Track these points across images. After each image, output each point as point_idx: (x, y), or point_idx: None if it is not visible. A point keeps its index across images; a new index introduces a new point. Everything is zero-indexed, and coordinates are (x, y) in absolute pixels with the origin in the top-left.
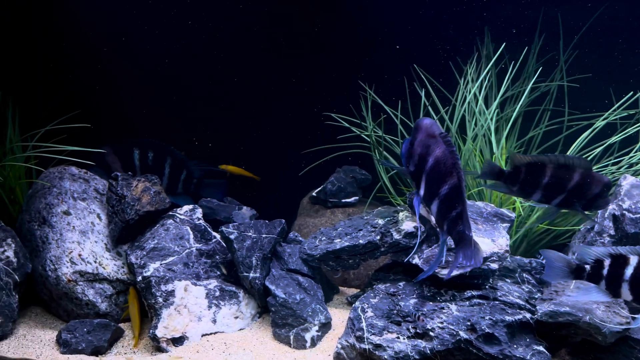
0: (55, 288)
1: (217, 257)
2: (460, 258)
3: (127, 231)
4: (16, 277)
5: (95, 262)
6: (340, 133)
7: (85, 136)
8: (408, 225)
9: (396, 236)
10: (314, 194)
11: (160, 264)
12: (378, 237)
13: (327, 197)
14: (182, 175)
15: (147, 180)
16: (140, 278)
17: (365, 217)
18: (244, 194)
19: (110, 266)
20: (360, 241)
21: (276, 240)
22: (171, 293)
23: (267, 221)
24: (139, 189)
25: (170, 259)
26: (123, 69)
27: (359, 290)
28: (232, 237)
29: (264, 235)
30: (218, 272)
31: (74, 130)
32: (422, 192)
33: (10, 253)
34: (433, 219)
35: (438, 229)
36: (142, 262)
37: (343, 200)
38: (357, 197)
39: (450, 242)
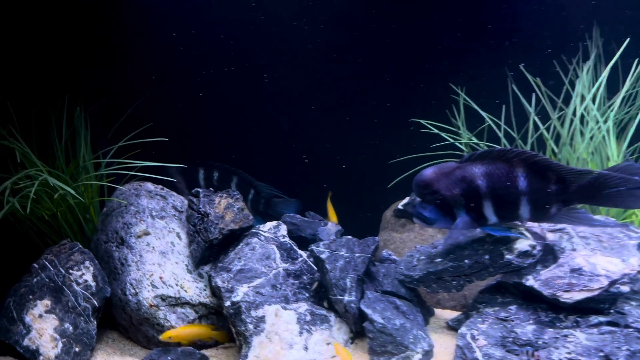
0: (136, 313)
1: (305, 277)
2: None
3: (209, 251)
4: (95, 302)
5: (176, 285)
6: (431, 142)
7: (157, 151)
8: (522, 244)
9: (508, 256)
10: (399, 206)
11: (248, 287)
12: (487, 257)
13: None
14: (250, 195)
15: (229, 196)
16: (228, 303)
17: (469, 235)
18: (315, 208)
19: (192, 289)
20: (466, 261)
21: (370, 259)
22: (261, 319)
23: (358, 239)
24: (221, 206)
25: (258, 281)
26: (203, 78)
27: (455, 312)
28: (323, 256)
29: (357, 255)
30: (307, 294)
31: (144, 144)
32: (493, 219)
33: (88, 277)
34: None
35: (554, 220)
36: (230, 285)
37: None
38: None
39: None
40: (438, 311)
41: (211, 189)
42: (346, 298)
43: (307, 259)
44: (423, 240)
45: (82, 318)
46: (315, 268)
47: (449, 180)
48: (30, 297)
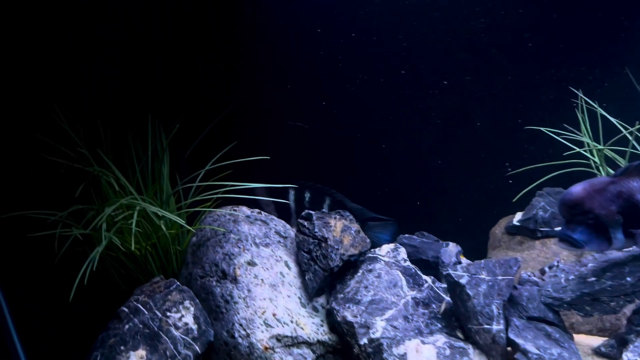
0: (247, 358)
1: (434, 305)
2: None
3: (326, 281)
4: (197, 348)
5: (292, 322)
6: (548, 150)
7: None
8: None
9: None
10: (514, 222)
11: (382, 320)
12: None
13: (537, 225)
14: None
15: (343, 217)
16: (365, 341)
17: (628, 249)
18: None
19: (309, 325)
20: (628, 279)
21: (513, 282)
22: (403, 357)
23: (498, 259)
24: (338, 229)
25: (390, 312)
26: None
27: (593, 337)
28: (462, 281)
29: (499, 277)
30: (439, 325)
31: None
32: None
33: (189, 319)
34: None
35: None
36: (363, 319)
37: (557, 229)
38: None
39: None
40: (575, 336)
41: (324, 211)
42: (494, 327)
43: (432, 285)
44: (547, 259)
45: None
46: (444, 295)
47: (603, 197)
48: (122, 347)
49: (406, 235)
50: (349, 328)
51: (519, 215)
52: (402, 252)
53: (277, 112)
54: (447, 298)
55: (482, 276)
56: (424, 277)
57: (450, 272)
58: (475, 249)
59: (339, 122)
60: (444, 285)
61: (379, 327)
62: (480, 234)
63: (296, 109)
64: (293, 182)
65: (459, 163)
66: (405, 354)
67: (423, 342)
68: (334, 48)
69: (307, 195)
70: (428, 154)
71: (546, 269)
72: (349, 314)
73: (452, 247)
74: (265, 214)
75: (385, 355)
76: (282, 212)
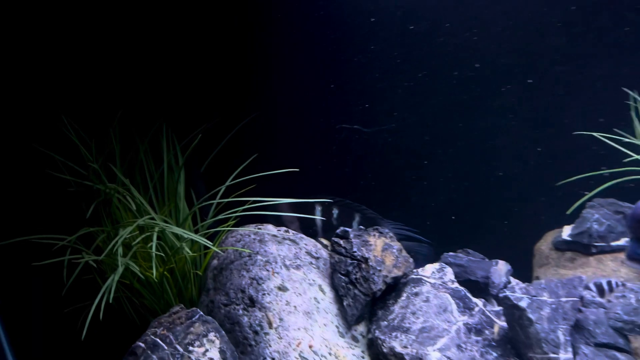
0: None
1: (487, 332)
2: None
3: (367, 307)
4: None
5: (330, 354)
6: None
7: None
8: None
9: None
10: (565, 237)
11: (435, 350)
12: None
13: (591, 240)
14: None
15: (382, 234)
16: None
17: None
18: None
19: (349, 357)
20: None
21: (578, 304)
22: None
23: (560, 279)
24: (378, 248)
25: (442, 341)
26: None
27: None
28: (522, 304)
29: (563, 299)
30: (495, 354)
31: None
32: None
33: (214, 353)
34: None
35: None
36: (415, 350)
37: (613, 244)
38: (628, 239)
39: None
40: None
41: (361, 227)
42: (562, 356)
43: (483, 309)
44: (604, 276)
45: None
46: (496, 319)
47: None
48: None
49: (451, 253)
50: None
51: (567, 230)
52: (449, 273)
53: (299, 117)
54: (501, 323)
55: (544, 298)
56: (474, 299)
57: (508, 294)
58: (518, 267)
59: (382, 128)
60: (496, 309)
61: (433, 359)
62: (522, 251)
63: (327, 112)
64: (320, 197)
65: (511, 172)
66: None
67: None
68: (388, 41)
69: (335, 211)
70: (488, 165)
71: (591, 285)
72: (397, 344)
73: (502, 266)
74: (293, 232)
75: None
76: (307, 230)
